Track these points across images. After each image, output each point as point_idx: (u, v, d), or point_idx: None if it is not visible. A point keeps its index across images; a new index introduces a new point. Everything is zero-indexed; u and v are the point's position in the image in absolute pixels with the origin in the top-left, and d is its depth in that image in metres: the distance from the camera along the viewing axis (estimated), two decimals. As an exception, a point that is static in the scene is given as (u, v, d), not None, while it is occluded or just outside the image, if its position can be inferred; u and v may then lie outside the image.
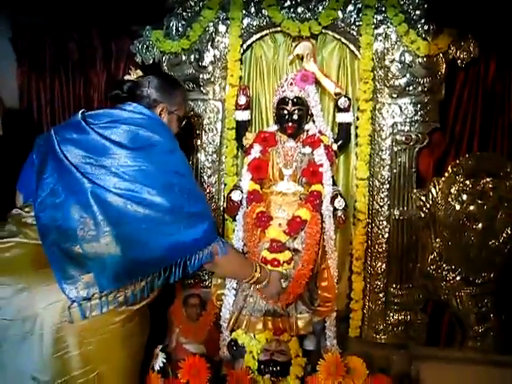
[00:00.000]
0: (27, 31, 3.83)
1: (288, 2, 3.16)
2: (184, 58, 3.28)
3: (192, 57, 3.26)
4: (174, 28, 3.27)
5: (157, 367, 2.52)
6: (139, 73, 2.37)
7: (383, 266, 3.17)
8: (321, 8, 3.12)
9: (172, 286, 3.20)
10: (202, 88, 3.27)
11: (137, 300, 2.07)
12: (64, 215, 1.98)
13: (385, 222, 3.16)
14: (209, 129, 3.29)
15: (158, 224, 2.01)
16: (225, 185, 3.27)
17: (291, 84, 2.98)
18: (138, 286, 2.05)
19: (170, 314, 3.04)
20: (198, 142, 3.31)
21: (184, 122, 2.49)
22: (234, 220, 3.04)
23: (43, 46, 3.84)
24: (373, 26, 3.08)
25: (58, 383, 1.97)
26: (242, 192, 2.96)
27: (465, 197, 3.08)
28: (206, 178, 3.29)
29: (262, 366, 2.58)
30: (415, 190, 3.15)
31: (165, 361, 2.55)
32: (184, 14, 3.25)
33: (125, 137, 2.09)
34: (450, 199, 3.10)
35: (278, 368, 2.57)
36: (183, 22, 3.26)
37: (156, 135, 2.14)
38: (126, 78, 2.37)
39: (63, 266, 1.95)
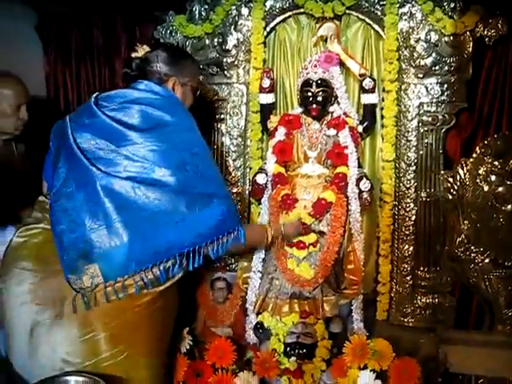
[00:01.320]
0: (53, 20, 3.88)
1: (311, -17, 3.12)
2: (207, 42, 3.27)
3: (215, 41, 3.25)
4: (197, 12, 3.26)
5: (183, 349, 2.54)
6: (146, 48, 2.35)
7: (410, 249, 3.13)
8: (344, -12, 3.07)
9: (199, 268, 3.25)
10: (225, 72, 3.26)
11: (153, 286, 2.05)
12: (74, 205, 2.00)
13: (412, 204, 3.12)
14: (233, 112, 3.28)
15: (168, 206, 2.00)
16: (250, 168, 3.27)
17: (315, 66, 2.96)
18: (150, 274, 2.02)
19: (196, 296, 3.05)
20: (223, 126, 3.31)
21: (199, 93, 2.48)
22: (260, 203, 3.05)
23: (68, 34, 3.89)
24: (397, 5, 3.03)
25: (88, 365, 2.00)
26: (266, 175, 2.96)
27: (493, 178, 3.02)
28: (231, 161, 3.29)
29: (288, 349, 2.57)
30: (442, 172, 3.10)
31: (191, 343, 2.57)
32: (206, -3, 3.25)
33: (137, 118, 2.09)
34: (478, 180, 3.05)
35: (304, 350, 2.55)
36: (206, 6, 3.25)
37: (169, 114, 2.13)
38: (134, 55, 2.36)
39: (69, 256, 1.98)
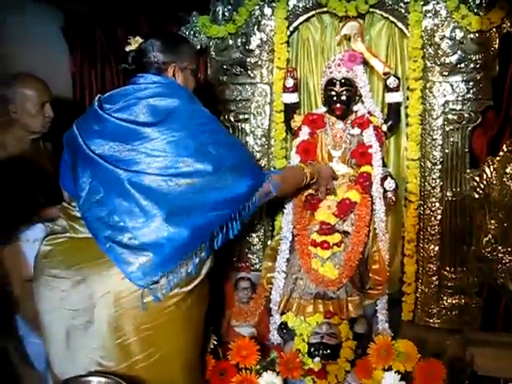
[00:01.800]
0: (78, 21, 3.93)
1: (334, -18, 3.10)
2: (231, 42, 3.27)
3: (239, 41, 3.25)
4: (221, 13, 3.27)
5: (208, 349, 2.55)
6: (139, 40, 2.27)
7: (436, 249, 3.10)
8: (367, -14, 3.05)
9: (223, 269, 3.26)
10: (249, 72, 3.26)
11: (200, 270, 2.11)
12: (109, 210, 2.01)
13: (437, 204, 3.08)
14: (257, 112, 3.27)
15: (205, 188, 2.03)
16: (274, 168, 3.26)
17: (339, 65, 2.95)
18: (199, 255, 2.08)
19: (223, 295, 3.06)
20: (247, 126, 3.30)
21: (200, 75, 2.53)
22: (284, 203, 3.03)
23: (94, 35, 3.93)
24: (421, 3, 2.99)
25: (122, 367, 2.03)
26: (290, 175, 2.95)
27: (520, 176, 2.99)
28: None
29: (312, 349, 2.57)
30: (468, 171, 3.06)
31: (216, 342, 2.58)
32: (229, -2, 3.25)
33: (144, 113, 2.08)
34: (505, 179, 3.00)
35: (329, 351, 2.55)
36: (229, 7, 3.25)
37: (174, 101, 2.11)
38: (128, 48, 2.29)
39: (124, 258, 1.98)
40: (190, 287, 2.09)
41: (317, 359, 2.54)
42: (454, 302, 3.13)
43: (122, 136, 2.05)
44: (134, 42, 2.26)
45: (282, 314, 2.81)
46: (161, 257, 1.98)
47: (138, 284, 1.97)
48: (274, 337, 2.85)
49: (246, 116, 3.30)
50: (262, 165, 3.27)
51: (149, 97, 2.11)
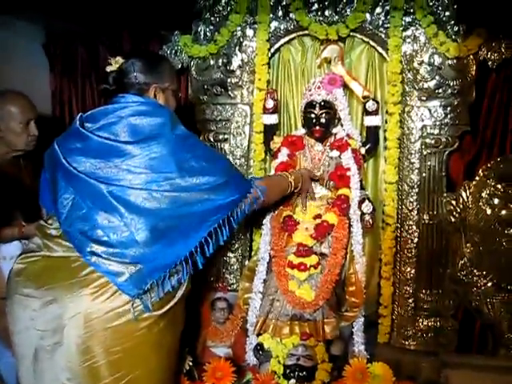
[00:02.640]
0: (60, 37, 3.91)
1: (315, 6, 3.13)
2: (212, 62, 3.29)
3: (220, 61, 3.27)
4: (202, 33, 3.29)
5: (183, 370, 2.53)
6: (120, 60, 2.24)
7: (412, 271, 3.12)
8: (348, 11, 3.09)
9: (198, 288, 3.24)
10: (229, 92, 3.28)
11: (176, 292, 2.10)
12: (92, 225, 1.99)
13: (414, 227, 3.11)
14: (237, 133, 3.29)
15: (190, 201, 2.04)
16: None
17: (319, 87, 2.97)
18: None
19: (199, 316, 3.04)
20: (226, 146, 3.31)
21: (180, 95, 2.53)
22: (262, 224, 3.03)
23: (75, 52, 3.92)
24: (401, 28, 3.04)
25: None
26: (269, 196, 2.95)
27: (496, 201, 3.02)
28: (233, 181, 3.29)
29: (288, 371, 2.56)
30: (445, 194, 3.10)
31: (191, 363, 2.56)
32: (212, 18, 3.27)
33: (125, 132, 2.07)
34: (480, 203, 3.05)
35: (304, 373, 2.55)
36: (211, 27, 3.27)
37: (154, 119, 2.11)
38: (108, 69, 2.25)
39: (113, 270, 1.97)
40: (162, 310, 2.06)
41: (292, 381, 2.54)
42: (429, 324, 3.15)
43: (104, 153, 2.04)
44: (115, 63, 2.24)
45: (259, 335, 2.79)
46: (150, 266, 1.98)
47: (129, 294, 1.95)
48: (250, 358, 2.83)
49: (226, 136, 3.31)
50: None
51: (130, 115, 2.10)
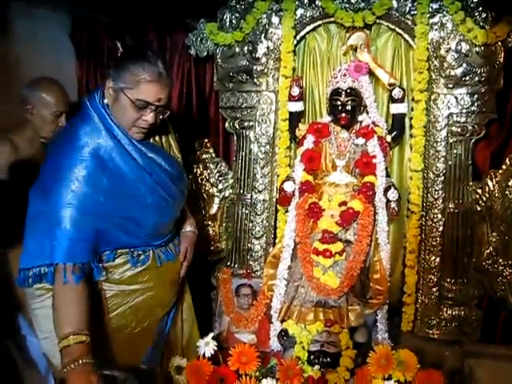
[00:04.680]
0: (86, 26, 3.92)
1: (342, -7, 3.12)
2: (237, 49, 3.30)
3: (245, 49, 3.28)
4: (228, 20, 3.29)
5: (208, 354, 2.54)
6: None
7: (437, 260, 3.12)
8: (375, -3, 3.07)
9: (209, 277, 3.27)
10: (255, 79, 3.29)
11: None
12: None
13: (439, 215, 3.10)
14: (262, 120, 3.30)
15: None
16: (278, 176, 3.28)
17: (345, 75, 2.96)
18: None
19: (220, 303, 3.06)
20: (251, 134, 3.32)
21: (153, 117, 2.10)
22: (287, 211, 3.04)
23: (101, 41, 3.92)
24: (428, 15, 3.02)
25: None
26: (294, 183, 2.95)
27: (523, 190, 3.01)
28: (258, 168, 3.30)
29: (312, 357, 2.56)
30: (471, 183, 3.09)
31: (216, 348, 2.58)
32: (237, 6, 3.28)
33: None
34: (507, 192, 3.03)
35: (328, 359, 2.54)
36: (237, 14, 3.28)
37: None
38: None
39: None
40: None
41: (316, 367, 2.53)
42: (453, 313, 3.14)
43: None
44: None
45: (283, 321, 2.80)
46: None
47: None
48: (274, 344, 2.84)
49: (251, 123, 3.32)
50: (266, 173, 3.28)
51: None
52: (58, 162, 2.03)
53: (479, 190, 3.08)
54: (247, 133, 3.33)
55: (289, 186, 2.96)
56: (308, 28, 3.24)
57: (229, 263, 3.41)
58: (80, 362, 1.81)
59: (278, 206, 3.27)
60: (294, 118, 3.19)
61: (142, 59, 2.04)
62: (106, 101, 2.09)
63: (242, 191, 3.35)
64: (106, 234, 2.09)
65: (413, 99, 3.12)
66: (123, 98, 2.03)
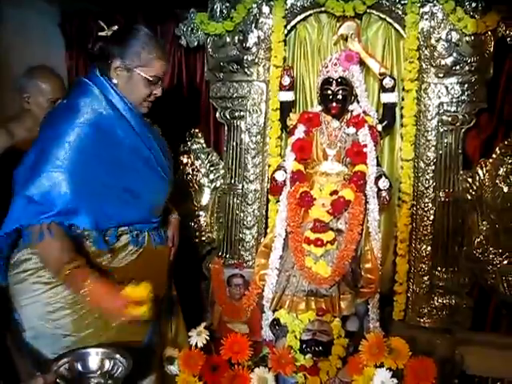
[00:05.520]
0: (75, 16, 3.91)
1: (332, -18, 3.11)
2: (228, 39, 3.29)
3: (236, 38, 3.27)
4: (218, 10, 3.28)
5: (200, 344, 2.55)
6: (114, 27, 2.21)
7: (428, 249, 3.13)
8: (365, -13, 3.07)
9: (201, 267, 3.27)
10: (246, 69, 3.28)
11: None
12: None
13: (430, 204, 3.11)
14: (253, 110, 3.29)
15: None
16: (269, 166, 3.28)
17: (335, 64, 2.95)
18: None
19: (212, 293, 3.06)
20: (242, 124, 3.32)
21: (161, 91, 2.27)
22: (278, 200, 3.04)
23: (90, 31, 3.89)
24: (418, 5, 3.02)
25: None
26: (285, 172, 2.95)
27: (513, 179, 3.02)
28: (249, 158, 3.30)
29: (304, 346, 2.58)
30: (461, 172, 3.10)
31: (208, 338, 2.58)
32: (228, -5, 3.26)
33: None
34: (497, 181, 3.04)
35: (320, 348, 2.55)
36: (227, 4, 3.27)
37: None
38: (100, 33, 2.22)
39: None
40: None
41: (308, 356, 2.55)
42: (444, 302, 3.16)
43: None
44: (109, 30, 2.24)
45: (275, 310, 2.80)
46: None
47: None
48: (266, 333, 2.85)
49: (242, 113, 3.32)
50: (257, 162, 3.28)
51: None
52: (55, 128, 2.09)
53: (469, 179, 3.09)
54: (238, 123, 3.33)
55: (280, 176, 2.96)
56: (299, 18, 3.24)
57: (220, 253, 3.41)
58: (88, 281, 1.96)
59: (269, 195, 3.27)
60: (285, 108, 3.19)
61: (150, 38, 2.20)
62: (114, 81, 2.16)
63: (233, 181, 3.34)
64: (106, 205, 2.13)
65: (403, 89, 3.12)
66: (136, 76, 2.15)
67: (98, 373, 1.91)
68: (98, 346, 1.99)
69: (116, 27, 2.23)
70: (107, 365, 1.92)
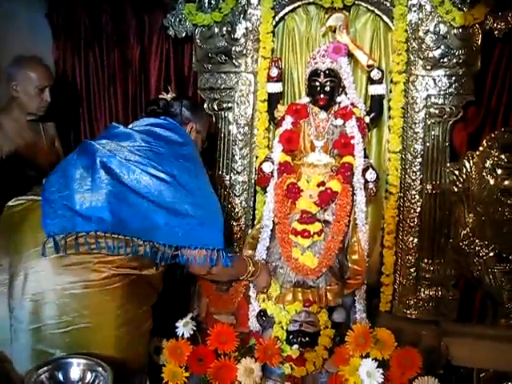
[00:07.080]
0: (62, 6, 3.87)
1: (321, -27, 3.11)
2: (216, 30, 3.26)
3: (224, 29, 3.24)
4: (207, 1, 3.25)
5: (187, 335, 2.56)
6: (173, 94, 2.64)
7: (415, 241, 3.14)
8: (354, -21, 3.06)
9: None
10: (234, 60, 3.26)
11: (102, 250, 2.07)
12: (66, 174, 2.16)
13: (417, 196, 3.12)
14: (241, 101, 3.27)
15: (155, 196, 2.15)
16: (256, 157, 3.27)
17: (323, 56, 2.96)
18: (112, 241, 2.08)
19: (198, 284, 3.06)
20: (230, 115, 3.30)
21: (206, 144, 2.77)
22: (265, 192, 3.03)
23: (78, 21, 3.88)
24: (407, -3, 3.03)
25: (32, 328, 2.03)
26: (273, 163, 2.96)
27: (499, 171, 3.03)
28: (237, 150, 3.29)
29: (291, 337, 2.60)
30: (448, 164, 3.10)
31: (195, 329, 2.59)
32: (216, -14, 3.25)
33: (147, 131, 2.36)
34: (484, 173, 3.05)
35: (307, 339, 2.58)
36: (216, -5, 3.25)
37: (173, 135, 2.38)
38: (162, 96, 2.61)
39: (49, 209, 2.08)
40: (119, 270, 2.13)
41: (295, 346, 2.57)
42: (431, 293, 3.17)
43: (120, 137, 2.28)
44: (170, 93, 2.63)
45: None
46: (77, 216, 2.06)
47: (46, 231, 2.04)
48: (253, 324, 2.85)
49: (230, 105, 3.30)
50: (245, 154, 3.28)
51: (156, 126, 2.40)
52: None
53: (456, 172, 3.10)
54: (226, 114, 3.31)
55: (267, 167, 2.96)
56: (287, 9, 3.22)
57: (208, 245, 3.39)
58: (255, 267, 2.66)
59: (256, 186, 3.26)
60: (273, 99, 3.18)
61: (206, 113, 3.12)
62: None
63: (220, 172, 3.33)
64: None
65: (391, 81, 3.12)
66: (199, 138, 2.67)
67: (79, 384, 1.89)
68: (81, 356, 1.94)
69: (173, 94, 2.65)
70: (88, 377, 1.87)
